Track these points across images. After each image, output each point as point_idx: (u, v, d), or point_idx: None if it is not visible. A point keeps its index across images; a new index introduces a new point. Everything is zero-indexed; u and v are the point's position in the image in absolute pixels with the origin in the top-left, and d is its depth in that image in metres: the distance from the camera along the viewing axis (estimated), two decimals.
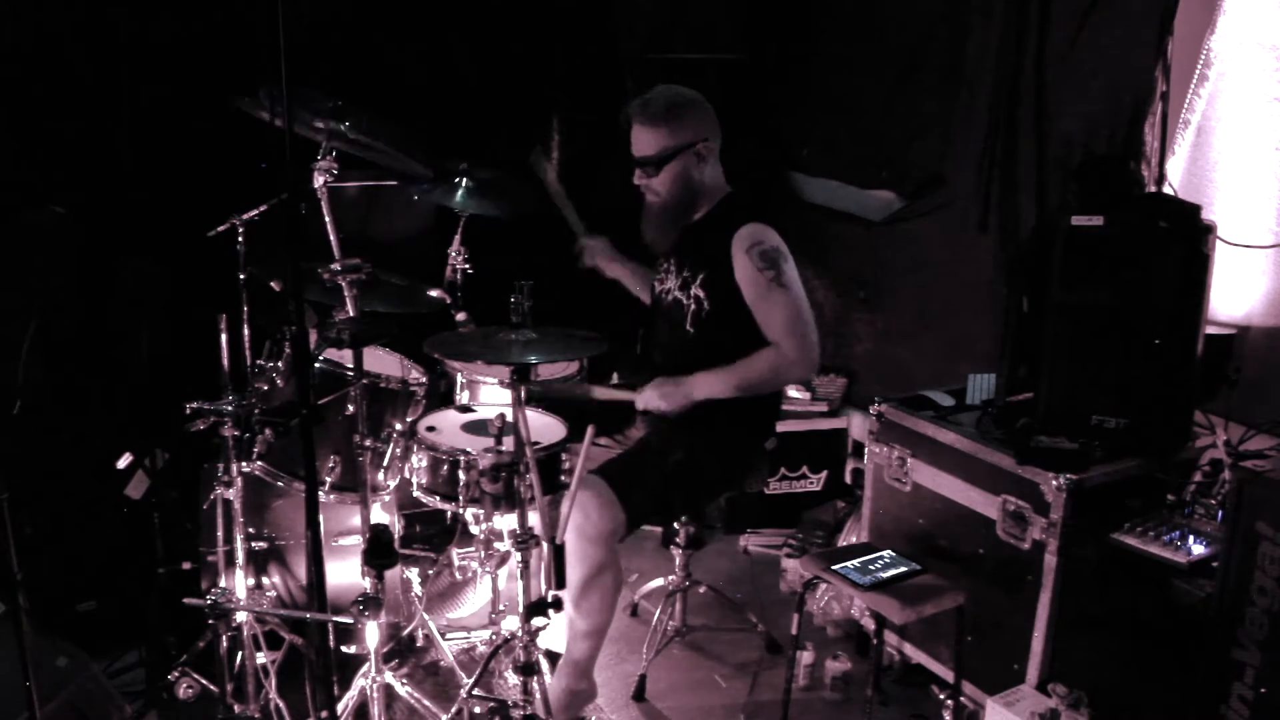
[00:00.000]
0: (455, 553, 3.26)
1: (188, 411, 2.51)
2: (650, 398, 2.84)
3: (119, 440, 3.00)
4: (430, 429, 2.91)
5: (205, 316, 2.69)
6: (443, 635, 3.11)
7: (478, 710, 2.68)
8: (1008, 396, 2.86)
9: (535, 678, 2.41)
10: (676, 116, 2.82)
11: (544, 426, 2.92)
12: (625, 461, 2.81)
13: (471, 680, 2.76)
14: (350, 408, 2.59)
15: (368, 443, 2.59)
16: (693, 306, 2.86)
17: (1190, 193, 3.06)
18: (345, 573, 2.92)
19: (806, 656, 3.14)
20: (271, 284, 2.89)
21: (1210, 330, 2.71)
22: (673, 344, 2.96)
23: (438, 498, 2.85)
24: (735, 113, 2.97)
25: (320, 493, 2.67)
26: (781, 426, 3.10)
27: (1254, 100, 2.92)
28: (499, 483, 2.39)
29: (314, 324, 2.84)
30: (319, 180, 2.67)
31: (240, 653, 2.66)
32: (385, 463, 2.90)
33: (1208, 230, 2.62)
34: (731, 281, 2.77)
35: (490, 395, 3.26)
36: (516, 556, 2.35)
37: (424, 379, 3.00)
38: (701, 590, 3.46)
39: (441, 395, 3.37)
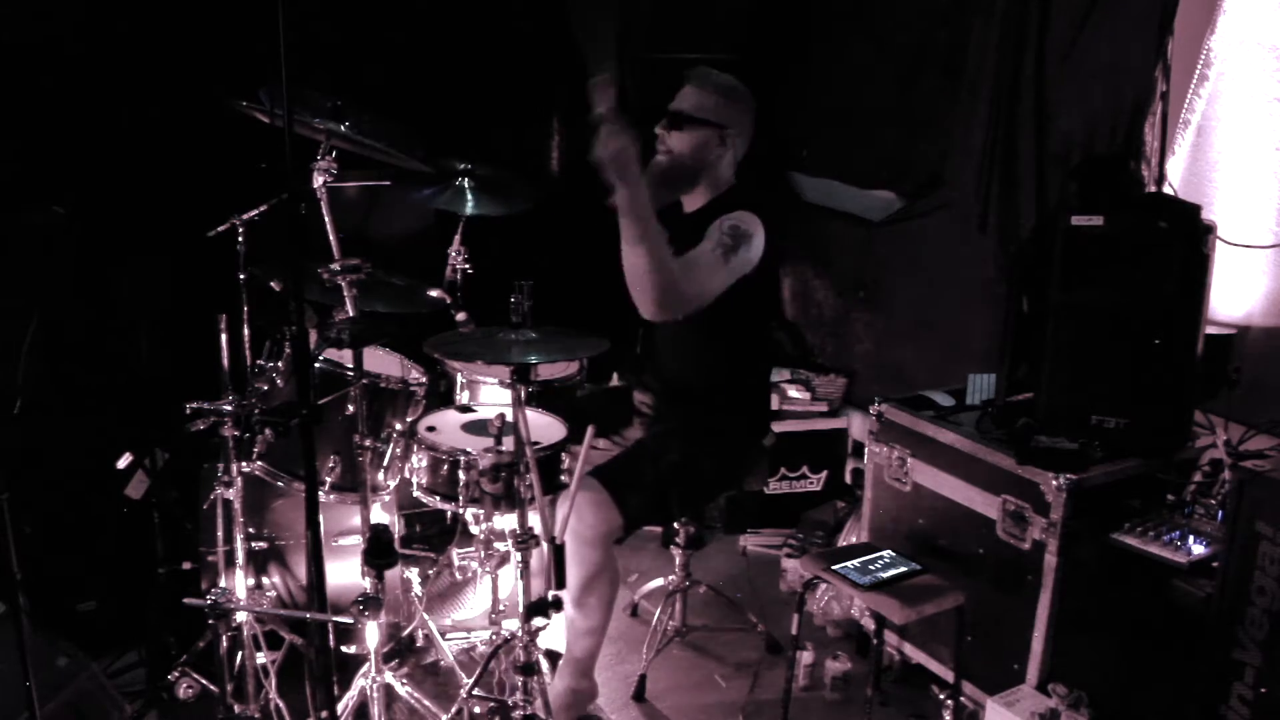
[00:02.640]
0: (455, 553, 3.26)
1: (188, 411, 2.51)
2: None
3: (119, 440, 3.01)
4: (430, 429, 2.91)
5: (205, 316, 2.69)
6: (443, 635, 3.12)
7: (478, 710, 2.68)
8: (1008, 396, 2.86)
9: (535, 678, 2.41)
10: (728, 96, 2.85)
11: (544, 426, 2.92)
12: (621, 463, 2.80)
13: (471, 680, 2.76)
14: (350, 408, 2.59)
15: (368, 443, 2.59)
16: None
17: (1190, 193, 3.06)
18: (345, 573, 2.92)
19: (806, 656, 3.14)
20: (271, 284, 2.89)
21: (1210, 330, 2.71)
22: (663, 330, 2.95)
23: (438, 498, 2.85)
24: None
25: (320, 493, 2.67)
26: (781, 426, 3.10)
27: (1254, 100, 2.92)
28: (499, 483, 2.39)
29: (314, 324, 2.84)
30: (319, 180, 2.67)
31: (240, 653, 2.66)
32: (385, 463, 2.90)
33: (1208, 230, 2.62)
34: None
35: (490, 395, 3.26)
36: (516, 556, 2.35)
37: (424, 379, 3.00)
38: (701, 590, 3.46)
39: (441, 395, 3.37)
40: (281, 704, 2.66)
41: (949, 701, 2.80)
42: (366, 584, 2.40)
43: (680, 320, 2.87)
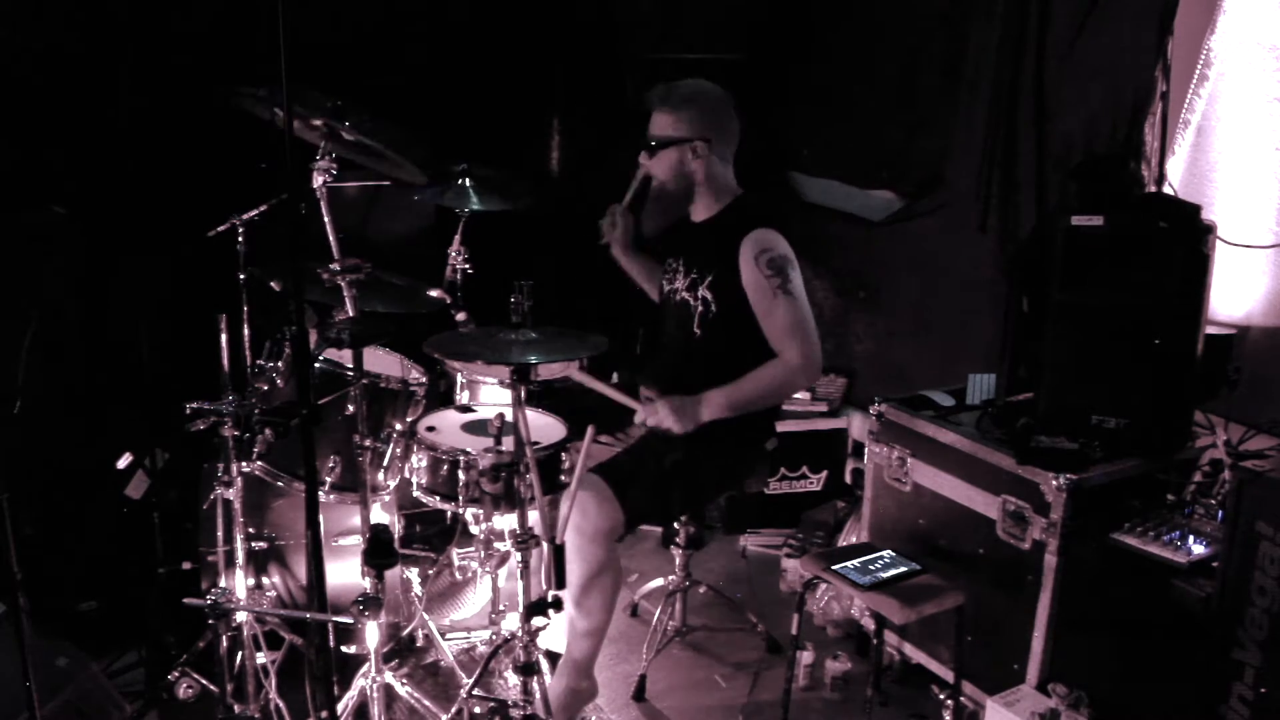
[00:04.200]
0: (455, 553, 3.26)
1: (188, 411, 2.51)
2: (661, 417, 2.77)
3: (119, 440, 3.00)
4: (430, 429, 2.91)
5: (205, 316, 2.69)
6: (443, 635, 3.12)
7: (478, 710, 2.68)
8: (1008, 396, 2.86)
9: (535, 678, 2.41)
10: (684, 109, 2.86)
11: (544, 426, 2.92)
12: (624, 460, 2.81)
13: (471, 680, 2.76)
14: (350, 408, 2.59)
15: (368, 443, 2.59)
16: (700, 308, 2.87)
17: (1190, 193, 3.05)
18: (345, 573, 2.92)
19: (806, 656, 3.14)
20: (271, 284, 2.89)
21: (1210, 330, 2.71)
22: (680, 345, 2.96)
23: (438, 498, 2.85)
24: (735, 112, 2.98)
25: (320, 493, 2.67)
26: (781, 426, 3.10)
27: (1254, 100, 2.92)
28: (499, 483, 2.39)
29: (314, 324, 2.83)
30: (318, 180, 2.67)
31: (240, 653, 2.66)
32: (385, 463, 2.90)
33: (1208, 230, 2.61)
34: (738, 285, 2.77)
35: (490, 395, 3.26)
36: (516, 556, 2.35)
37: (424, 379, 3.00)
38: (701, 590, 3.46)
39: (441, 395, 3.37)
40: (281, 704, 2.66)
41: (949, 701, 2.80)
42: (366, 584, 2.40)
43: (691, 326, 2.88)
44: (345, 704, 2.62)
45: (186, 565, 3.01)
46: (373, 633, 2.48)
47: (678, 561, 3.32)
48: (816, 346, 2.78)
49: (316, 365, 2.72)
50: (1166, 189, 3.11)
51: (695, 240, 2.93)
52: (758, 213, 2.85)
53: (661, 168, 2.89)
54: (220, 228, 2.83)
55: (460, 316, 3.14)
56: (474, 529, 2.93)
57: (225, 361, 2.67)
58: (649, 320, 3.15)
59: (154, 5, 3.29)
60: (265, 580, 2.97)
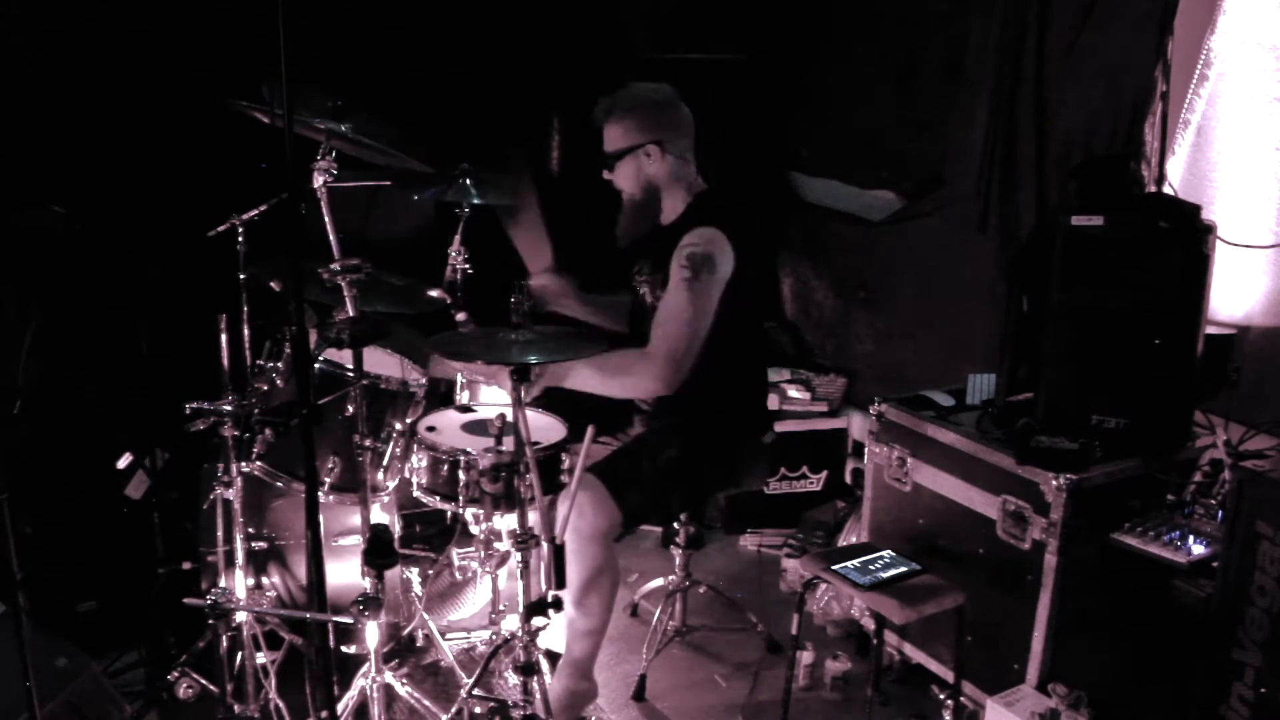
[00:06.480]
0: (455, 553, 3.26)
1: (188, 411, 2.51)
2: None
3: (119, 440, 3.00)
4: (430, 429, 2.91)
5: (205, 316, 2.69)
6: (443, 635, 3.12)
7: (478, 710, 2.68)
8: (1008, 396, 2.86)
9: (535, 678, 2.41)
10: (629, 117, 2.87)
11: (544, 426, 2.92)
12: (619, 459, 2.81)
13: (471, 680, 2.76)
14: (350, 408, 2.59)
15: (368, 443, 2.59)
16: None
17: (1190, 193, 3.06)
18: (345, 573, 2.92)
19: (806, 656, 3.14)
20: (271, 284, 2.89)
21: (1210, 330, 2.71)
22: None
23: (438, 498, 2.85)
24: (735, 113, 2.98)
25: (320, 493, 2.67)
26: (781, 426, 3.11)
27: (1254, 100, 2.92)
28: (499, 483, 2.39)
29: (314, 324, 2.83)
30: (319, 180, 2.67)
31: (240, 653, 2.66)
32: (385, 463, 2.90)
33: (1208, 230, 2.61)
34: None
35: (490, 395, 3.26)
36: (516, 556, 2.35)
37: (424, 379, 3.00)
38: (701, 590, 3.46)
39: (441, 395, 3.37)
40: (281, 704, 2.66)
41: (949, 701, 2.80)
42: (366, 584, 2.40)
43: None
44: (345, 704, 2.62)
45: (186, 565, 3.01)
46: (373, 633, 2.48)
47: (678, 561, 3.32)
48: (681, 353, 2.68)
49: (316, 365, 2.72)
50: (1166, 189, 3.11)
51: (660, 244, 2.91)
52: (709, 211, 2.84)
53: (624, 180, 2.90)
54: (220, 228, 2.82)
55: (460, 316, 3.14)
56: (474, 529, 2.93)
57: (225, 361, 2.67)
58: (635, 323, 3.14)
59: (155, 5, 3.29)
60: (265, 580, 2.97)
